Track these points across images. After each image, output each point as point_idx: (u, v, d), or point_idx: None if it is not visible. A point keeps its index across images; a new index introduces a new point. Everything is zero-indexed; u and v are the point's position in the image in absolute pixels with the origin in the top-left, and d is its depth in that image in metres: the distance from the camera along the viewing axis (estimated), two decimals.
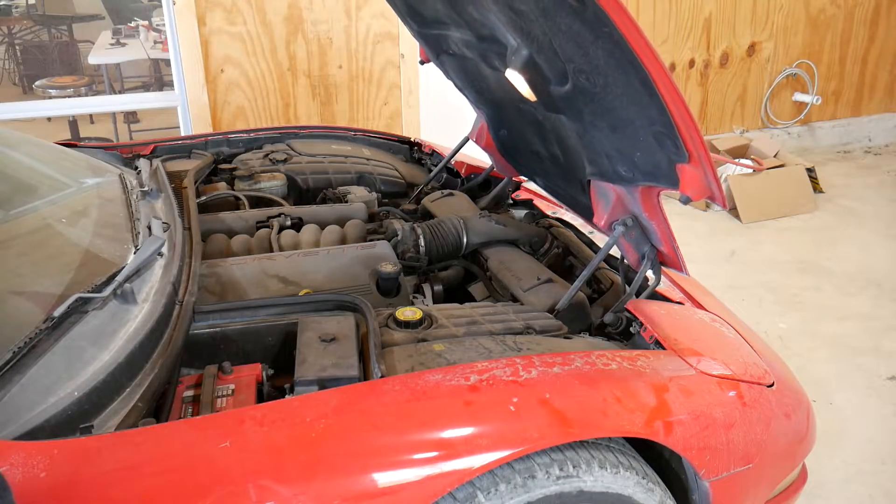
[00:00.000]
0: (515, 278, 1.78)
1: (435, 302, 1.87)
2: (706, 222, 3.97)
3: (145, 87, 6.10)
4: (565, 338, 1.50)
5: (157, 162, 2.09)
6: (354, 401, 1.14)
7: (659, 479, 1.33)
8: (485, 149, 2.23)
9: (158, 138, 2.49)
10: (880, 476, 2.14)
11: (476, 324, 1.48)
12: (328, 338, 1.35)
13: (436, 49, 2.02)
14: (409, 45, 3.83)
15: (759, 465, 1.40)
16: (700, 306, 1.70)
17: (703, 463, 1.32)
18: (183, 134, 3.55)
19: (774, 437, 1.42)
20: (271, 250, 1.85)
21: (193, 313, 1.41)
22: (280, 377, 1.37)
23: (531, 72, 1.70)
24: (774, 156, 4.29)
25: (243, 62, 3.60)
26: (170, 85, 4.00)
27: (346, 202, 2.15)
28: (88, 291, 1.28)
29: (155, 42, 5.25)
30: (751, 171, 4.07)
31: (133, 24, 5.64)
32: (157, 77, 5.96)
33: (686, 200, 1.39)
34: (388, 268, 1.69)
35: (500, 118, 2.09)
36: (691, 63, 4.56)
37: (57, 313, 1.21)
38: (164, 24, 3.59)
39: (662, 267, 1.65)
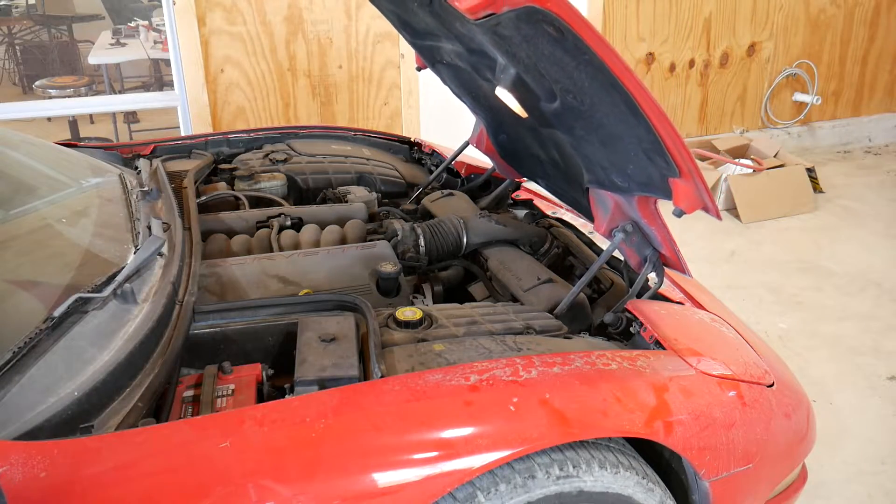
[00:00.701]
0: (515, 278, 1.78)
1: (435, 302, 1.87)
2: (706, 222, 3.97)
3: (145, 87, 6.10)
4: (565, 338, 1.50)
5: (157, 162, 2.09)
6: (354, 401, 1.14)
7: (659, 479, 1.33)
8: (485, 153, 2.24)
9: (158, 138, 2.49)
10: (880, 476, 2.14)
11: (476, 324, 1.48)
12: (328, 338, 1.35)
13: (430, 59, 2.03)
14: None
15: (759, 465, 1.40)
16: (700, 306, 1.70)
17: (703, 463, 1.32)
18: (183, 134, 3.55)
19: (774, 437, 1.42)
20: (271, 250, 1.85)
21: (193, 313, 1.41)
22: (280, 377, 1.37)
23: (520, 89, 1.75)
24: (774, 156, 4.29)
25: (243, 62, 3.60)
26: (170, 85, 4.00)
27: (346, 202, 2.15)
28: (88, 291, 1.28)
29: (155, 42, 5.25)
30: (751, 171, 4.07)
31: (133, 24, 5.64)
32: (157, 77, 5.96)
33: (679, 213, 1.43)
34: (388, 268, 1.69)
35: (499, 123, 2.10)
36: (691, 63, 4.56)
37: (57, 313, 1.21)
38: (164, 24, 3.59)
39: (665, 268, 1.65)
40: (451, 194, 2.21)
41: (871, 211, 4.11)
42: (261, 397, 1.28)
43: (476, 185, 2.39)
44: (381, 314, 1.48)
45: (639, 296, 1.65)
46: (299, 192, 2.33)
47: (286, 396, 1.22)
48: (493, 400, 1.17)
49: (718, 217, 1.42)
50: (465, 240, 1.94)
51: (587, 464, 1.21)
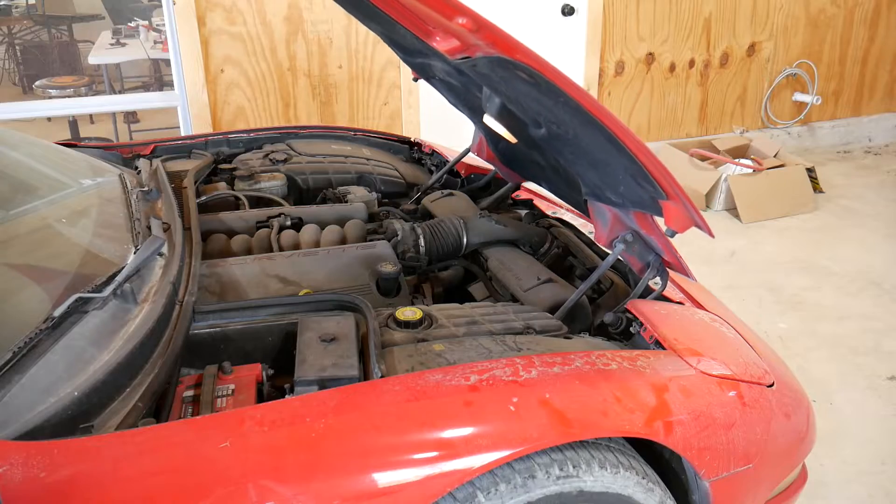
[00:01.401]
0: (515, 278, 1.78)
1: (435, 302, 1.87)
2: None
3: (145, 87, 6.10)
4: (565, 338, 1.50)
5: (157, 162, 2.09)
6: (354, 401, 1.14)
7: (659, 479, 1.33)
8: (487, 160, 2.25)
9: (158, 138, 2.49)
10: (880, 476, 2.14)
11: (476, 324, 1.48)
12: (328, 338, 1.35)
13: (423, 74, 2.06)
14: None
15: (759, 465, 1.40)
16: (700, 306, 1.70)
17: (703, 463, 1.32)
18: (183, 134, 3.55)
19: (774, 437, 1.42)
20: (271, 250, 1.85)
21: (193, 313, 1.41)
22: (280, 377, 1.37)
23: (506, 117, 1.79)
24: (774, 156, 4.29)
25: (243, 62, 3.60)
26: (170, 85, 4.01)
27: (346, 202, 2.15)
28: (88, 291, 1.28)
29: (155, 42, 5.25)
30: (751, 171, 4.07)
31: (133, 24, 5.64)
32: (157, 77, 5.96)
33: (672, 234, 1.50)
34: (388, 268, 1.69)
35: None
36: (691, 63, 4.56)
37: (57, 313, 1.20)
38: (164, 24, 3.59)
39: (669, 270, 1.66)
40: (451, 194, 2.21)
41: (870, 211, 4.11)
42: (261, 397, 1.28)
43: (477, 187, 2.39)
44: (381, 314, 1.48)
45: (641, 297, 1.65)
46: (299, 192, 2.33)
47: (286, 396, 1.22)
48: (493, 400, 1.17)
49: (710, 234, 1.48)
50: (465, 240, 1.94)
51: (587, 464, 1.21)
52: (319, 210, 2.06)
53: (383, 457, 1.08)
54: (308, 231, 1.93)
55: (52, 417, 1.06)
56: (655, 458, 1.45)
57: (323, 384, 1.24)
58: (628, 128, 1.36)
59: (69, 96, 4.88)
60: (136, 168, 2.08)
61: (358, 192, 2.20)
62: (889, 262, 3.47)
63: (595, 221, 1.72)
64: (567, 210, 2.17)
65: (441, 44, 1.36)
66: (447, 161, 2.48)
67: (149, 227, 1.58)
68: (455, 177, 2.48)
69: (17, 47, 6.81)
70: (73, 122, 4.98)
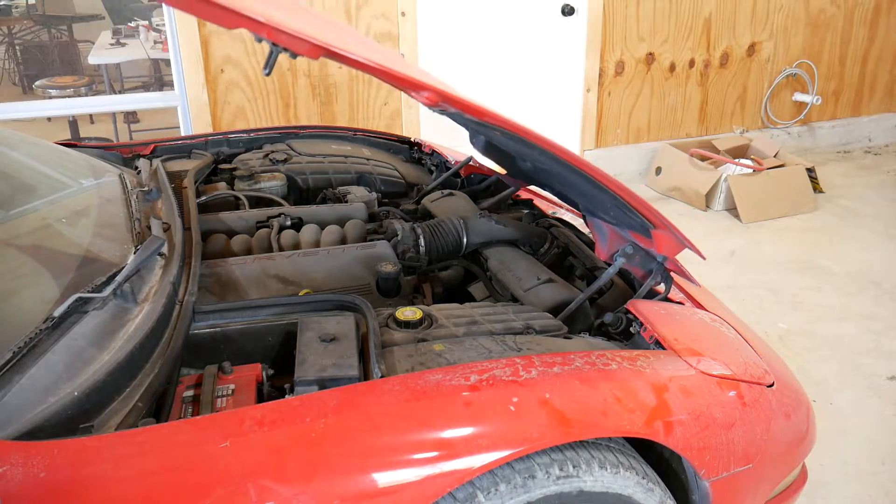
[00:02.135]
0: (515, 278, 1.78)
1: (435, 302, 1.87)
2: (706, 222, 3.97)
3: (145, 87, 6.10)
4: (565, 338, 1.50)
5: (157, 162, 2.09)
6: (354, 401, 1.14)
7: (659, 479, 1.33)
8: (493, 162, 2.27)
9: (158, 138, 2.49)
10: (880, 476, 2.14)
11: (476, 324, 1.48)
12: (328, 338, 1.35)
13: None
14: (409, 45, 3.83)
15: (759, 465, 1.40)
16: (700, 306, 1.70)
17: (703, 463, 1.32)
18: (183, 134, 3.55)
19: (774, 437, 1.42)
20: (271, 250, 1.85)
21: (193, 313, 1.41)
22: (280, 377, 1.37)
23: (493, 152, 1.81)
24: (774, 156, 4.29)
25: (243, 62, 3.60)
26: (170, 85, 4.01)
27: (346, 202, 2.15)
28: (88, 291, 1.28)
29: (155, 42, 5.25)
30: (751, 171, 4.07)
31: (133, 24, 5.64)
32: (157, 77, 5.96)
33: (663, 259, 1.56)
34: (388, 268, 1.69)
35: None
36: (691, 63, 4.56)
37: (57, 313, 1.21)
38: (164, 24, 3.59)
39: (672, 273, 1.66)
40: (451, 194, 2.21)
41: (871, 211, 4.11)
42: (261, 397, 1.28)
43: (479, 189, 2.39)
44: (381, 314, 1.48)
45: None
46: (299, 192, 2.33)
47: (286, 396, 1.22)
48: (493, 400, 1.17)
49: (701, 256, 1.54)
50: (465, 240, 1.94)
51: (587, 464, 1.21)
52: (319, 210, 2.06)
53: (383, 457, 1.08)
54: (308, 231, 1.93)
55: (52, 417, 1.06)
56: (655, 458, 1.45)
57: (323, 384, 1.24)
58: (605, 173, 1.43)
59: (69, 96, 4.88)
60: (136, 168, 2.09)
61: (358, 192, 2.20)
62: (889, 262, 3.47)
63: (594, 235, 1.75)
64: (567, 210, 2.17)
65: (417, 97, 1.38)
66: (447, 161, 2.47)
67: (149, 227, 1.58)
68: (455, 177, 2.48)
69: (17, 47, 6.81)
70: (73, 122, 4.98)
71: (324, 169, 2.37)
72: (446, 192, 2.24)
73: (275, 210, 2.03)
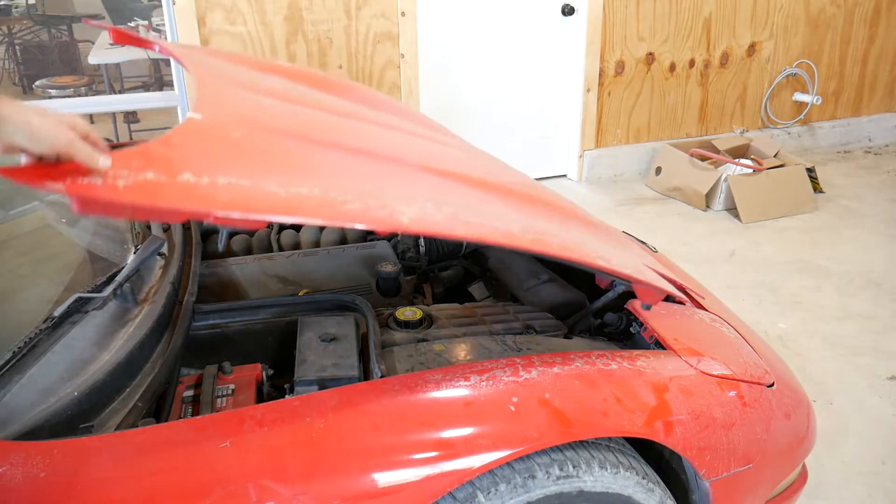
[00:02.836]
0: (515, 278, 1.78)
1: (435, 302, 1.87)
2: (706, 222, 3.97)
3: (145, 87, 6.10)
4: (565, 338, 1.50)
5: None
6: (354, 401, 1.14)
7: (659, 479, 1.33)
8: None
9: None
10: (880, 476, 2.14)
11: (476, 324, 1.48)
12: (328, 338, 1.35)
13: None
14: (409, 44, 3.83)
15: (759, 465, 1.40)
16: (700, 306, 1.70)
17: (703, 463, 1.32)
18: None
19: (774, 437, 1.42)
20: (271, 250, 1.85)
21: (193, 313, 1.41)
22: (280, 377, 1.37)
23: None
24: (774, 156, 4.29)
25: None
26: (170, 85, 4.01)
27: None
28: (88, 291, 1.28)
29: None
30: (751, 171, 4.07)
31: (133, 24, 5.64)
32: (157, 77, 5.96)
33: (647, 307, 1.54)
34: (388, 268, 1.69)
35: None
36: (691, 63, 4.56)
37: (57, 313, 1.21)
38: (164, 24, 3.59)
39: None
40: None
41: (871, 211, 4.11)
42: (261, 397, 1.28)
43: None
44: (381, 314, 1.48)
45: None
46: None
47: (286, 396, 1.22)
48: (493, 400, 1.17)
49: (682, 301, 1.49)
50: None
51: (587, 464, 1.21)
52: None
53: (383, 457, 1.08)
54: (308, 231, 1.93)
55: (52, 417, 1.07)
56: (655, 458, 1.45)
57: (323, 384, 1.24)
58: (600, 252, 1.39)
59: (69, 96, 4.87)
60: None
61: None
62: (889, 262, 3.47)
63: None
64: None
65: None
66: None
67: (149, 227, 1.58)
68: None
69: (17, 47, 6.81)
70: None
71: None
72: None
73: None
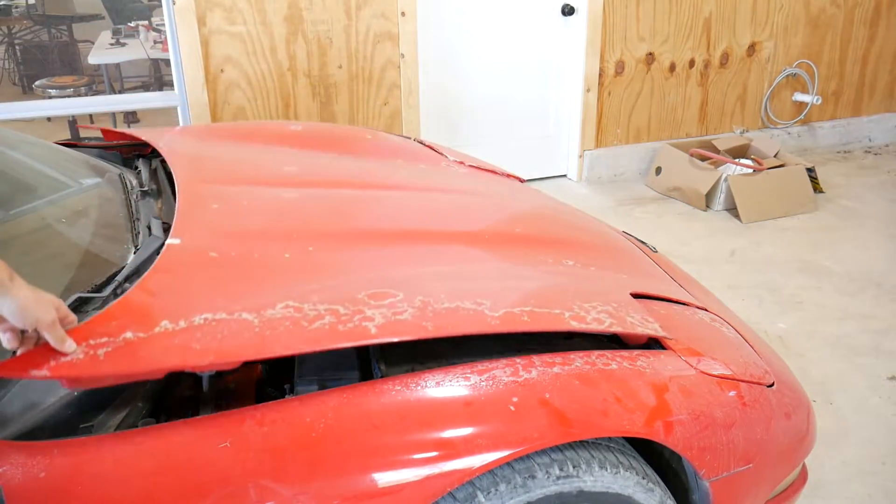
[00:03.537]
0: None
1: None
2: (706, 222, 3.97)
3: (145, 87, 6.10)
4: (565, 338, 1.50)
5: (156, 162, 2.09)
6: (354, 401, 1.14)
7: (659, 479, 1.33)
8: None
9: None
10: (880, 476, 2.14)
11: None
12: None
13: None
14: (409, 45, 3.83)
15: (760, 465, 1.40)
16: (700, 306, 1.70)
17: (703, 463, 1.32)
18: None
19: (774, 437, 1.42)
20: None
21: None
22: (280, 377, 1.37)
23: None
24: (774, 156, 4.29)
25: (243, 62, 3.60)
26: (170, 85, 4.00)
27: None
28: (88, 291, 1.28)
29: (155, 42, 5.25)
30: (751, 171, 4.07)
31: (133, 24, 5.64)
32: (157, 77, 5.96)
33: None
34: None
35: None
36: (691, 63, 4.56)
37: None
38: (163, 24, 3.59)
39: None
40: None
41: (871, 211, 4.11)
42: (261, 397, 1.28)
43: None
44: None
45: None
46: None
47: (286, 396, 1.22)
48: (493, 400, 1.17)
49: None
50: None
51: (587, 464, 1.21)
52: None
53: (383, 457, 1.08)
54: None
55: (52, 417, 1.06)
56: (655, 458, 1.45)
57: (323, 384, 1.24)
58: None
59: (69, 96, 4.87)
60: (136, 168, 2.08)
61: None
62: (889, 262, 3.47)
63: None
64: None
65: None
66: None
67: (149, 227, 1.58)
68: None
69: (17, 47, 6.81)
70: (73, 122, 4.97)
71: None
72: None
73: None
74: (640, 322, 1.40)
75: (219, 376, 1.25)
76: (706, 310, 1.68)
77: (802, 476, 1.65)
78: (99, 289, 1.30)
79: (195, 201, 1.56)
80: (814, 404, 2.03)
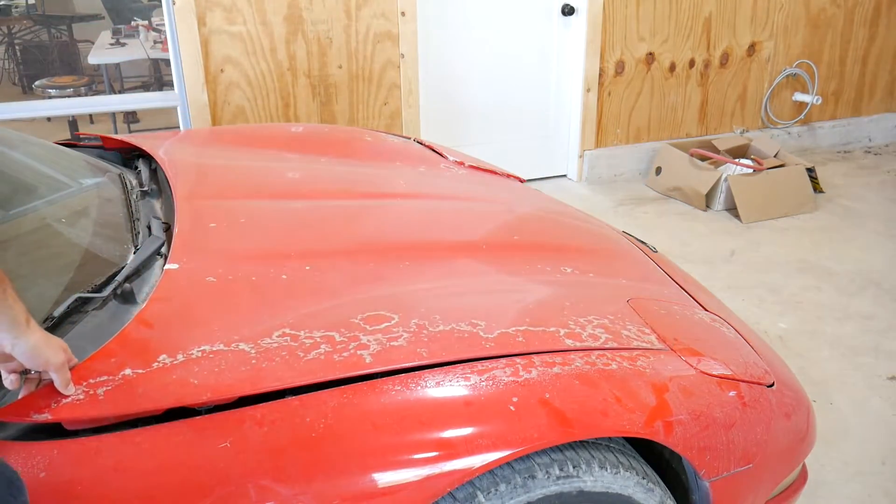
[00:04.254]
0: None
1: None
2: (706, 222, 3.97)
3: (145, 87, 6.10)
4: None
5: (156, 163, 2.09)
6: (354, 401, 1.14)
7: (659, 479, 1.33)
8: None
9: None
10: (880, 476, 2.14)
11: None
12: None
13: None
14: (409, 45, 3.83)
15: (760, 465, 1.40)
16: (700, 306, 1.70)
17: (703, 463, 1.32)
18: None
19: (774, 437, 1.42)
20: None
21: None
22: None
23: None
24: (774, 156, 4.29)
25: (243, 62, 3.60)
26: (170, 85, 4.00)
27: None
28: (88, 291, 1.28)
29: (155, 42, 5.25)
30: (751, 171, 4.07)
31: (133, 24, 5.64)
32: (157, 77, 5.96)
33: None
34: None
35: None
36: (691, 63, 4.56)
37: (57, 313, 1.20)
38: (163, 24, 3.59)
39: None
40: None
41: (871, 211, 4.11)
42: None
43: None
44: None
45: None
46: None
47: (286, 396, 1.22)
48: (493, 400, 1.17)
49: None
50: None
51: (587, 464, 1.21)
52: None
53: (383, 457, 1.08)
54: None
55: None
56: (655, 458, 1.45)
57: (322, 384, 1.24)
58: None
59: (69, 96, 4.88)
60: (136, 168, 2.08)
61: None
62: (889, 262, 3.47)
63: None
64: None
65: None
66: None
67: (149, 227, 1.58)
68: None
69: (17, 47, 6.80)
70: (73, 122, 4.98)
71: None
72: None
73: None
74: (636, 335, 1.41)
75: None
76: (706, 309, 1.68)
77: (802, 476, 1.64)
78: (99, 289, 1.30)
79: (193, 221, 1.57)
80: (814, 404, 2.03)
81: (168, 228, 1.61)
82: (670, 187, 4.31)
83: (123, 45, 5.23)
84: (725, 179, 4.04)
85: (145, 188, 1.83)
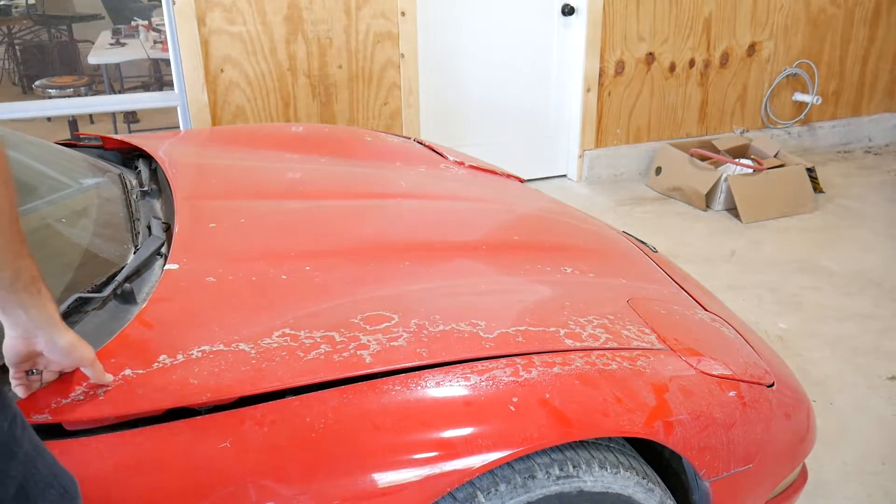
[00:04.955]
0: None
1: None
2: (706, 222, 3.97)
3: (145, 87, 6.10)
4: None
5: (157, 163, 2.09)
6: (354, 401, 1.14)
7: (659, 479, 1.33)
8: None
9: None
10: (880, 476, 2.14)
11: None
12: None
13: None
14: (409, 45, 3.83)
15: (760, 465, 1.40)
16: (700, 306, 1.70)
17: (703, 463, 1.32)
18: None
19: (774, 437, 1.42)
20: None
21: None
22: None
23: None
24: (774, 156, 4.29)
25: (243, 62, 3.60)
26: (170, 85, 4.00)
27: None
28: (88, 291, 1.28)
29: (155, 42, 5.25)
30: (751, 171, 4.07)
31: (133, 24, 5.64)
32: (157, 77, 5.96)
33: None
34: None
35: None
36: (691, 63, 4.56)
37: None
38: (163, 24, 3.59)
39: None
40: None
41: (871, 211, 4.11)
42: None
43: None
44: None
45: None
46: None
47: (286, 396, 1.22)
48: (493, 400, 1.17)
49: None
50: None
51: (587, 464, 1.21)
52: None
53: (383, 457, 1.08)
54: None
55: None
56: (655, 458, 1.45)
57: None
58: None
59: (69, 96, 4.87)
60: (136, 168, 2.08)
61: None
62: (889, 262, 3.47)
63: None
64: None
65: None
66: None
67: (149, 227, 1.58)
68: None
69: (17, 47, 6.80)
70: (73, 122, 4.98)
71: None
72: None
73: None
74: (636, 335, 1.41)
75: None
76: (706, 309, 1.68)
77: (802, 476, 1.65)
78: (99, 289, 1.30)
79: (193, 221, 1.57)
80: (814, 404, 2.03)
81: (168, 228, 1.61)
82: (670, 187, 4.31)
83: (123, 45, 5.23)
84: (725, 179, 4.04)
85: (145, 188, 1.83)
